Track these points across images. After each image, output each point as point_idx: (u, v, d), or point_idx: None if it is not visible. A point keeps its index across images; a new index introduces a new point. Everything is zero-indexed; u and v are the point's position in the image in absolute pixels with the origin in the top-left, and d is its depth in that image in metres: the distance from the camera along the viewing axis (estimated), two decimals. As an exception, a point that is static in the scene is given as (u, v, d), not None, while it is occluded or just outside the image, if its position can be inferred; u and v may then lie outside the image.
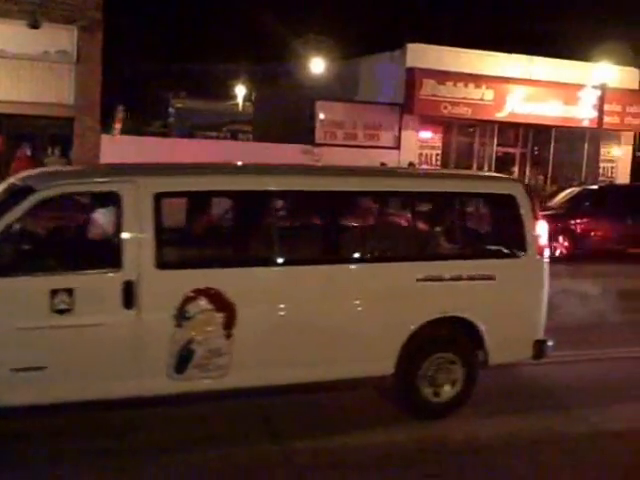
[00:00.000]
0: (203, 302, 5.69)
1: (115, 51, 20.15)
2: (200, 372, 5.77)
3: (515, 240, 6.72)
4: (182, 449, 5.70)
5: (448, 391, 6.50)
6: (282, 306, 5.97)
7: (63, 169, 7.46)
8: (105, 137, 19.21)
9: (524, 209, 6.69)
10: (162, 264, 5.66)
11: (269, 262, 6.05)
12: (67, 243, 6.41)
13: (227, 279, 5.82)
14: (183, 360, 5.72)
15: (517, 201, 6.69)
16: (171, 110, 37.51)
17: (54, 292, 5.39)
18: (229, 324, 5.77)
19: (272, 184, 6.25)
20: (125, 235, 5.63)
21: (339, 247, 6.44)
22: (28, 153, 17.96)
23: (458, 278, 6.44)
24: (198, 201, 6.55)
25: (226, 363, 5.80)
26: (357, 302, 6.21)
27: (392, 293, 6.26)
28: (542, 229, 6.81)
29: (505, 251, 6.74)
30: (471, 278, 6.49)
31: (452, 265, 6.57)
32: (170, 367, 5.70)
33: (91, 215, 6.42)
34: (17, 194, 5.71)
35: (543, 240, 6.79)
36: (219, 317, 5.73)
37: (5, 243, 5.51)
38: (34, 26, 17.94)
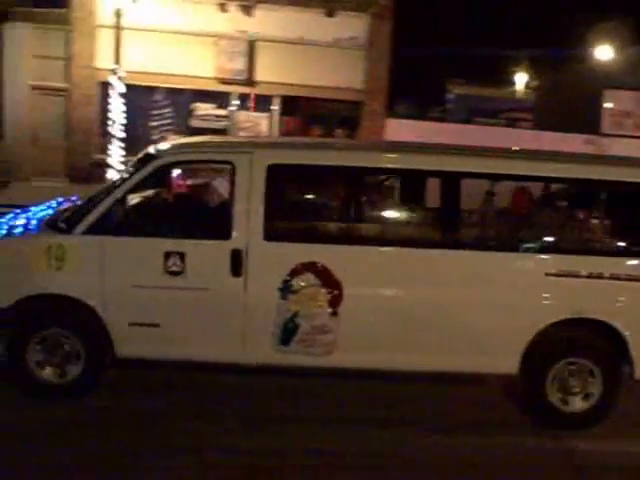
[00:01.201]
0: (309, 277, 5.69)
1: (401, 36, 20.63)
2: (304, 347, 5.77)
3: None
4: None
5: (580, 402, 5.92)
6: (393, 289, 5.77)
7: (192, 140, 7.48)
8: (390, 121, 19.88)
9: None
10: (270, 236, 5.72)
11: (382, 242, 5.91)
12: (183, 209, 6.52)
13: (335, 256, 5.74)
14: (287, 333, 5.76)
15: None
16: (449, 96, 37.77)
17: (168, 254, 5.69)
18: (335, 302, 5.70)
19: (387, 161, 6.08)
20: (236, 205, 5.75)
21: (460, 232, 6.02)
22: (317, 136, 19.23)
23: (598, 276, 5.79)
24: (309, 175, 6.42)
25: (331, 341, 5.75)
26: (475, 292, 5.79)
27: (517, 286, 5.79)
28: None
29: None
30: (615, 277, 5.80)
31: (592, 261, 5.86)
32: (275, 338, 5.76)
33: (207, 184, 6.64)
34: (143, 160, 6.09)
35: None
36: (325, 293, 5.69)
37: (126, 205, 5.93)
38: (329, 14, 19.05)
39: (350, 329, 5.71)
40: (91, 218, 5.84)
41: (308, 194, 6.68)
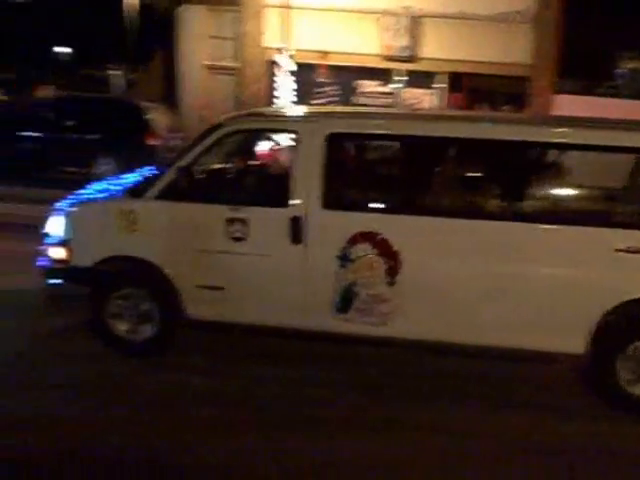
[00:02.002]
0: (366, 246, 5.62)
1: (570, 9, 19.80)
2: (362, 315, 5.73)
3: None
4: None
5: None
6: (451, 260, 5.58)
7: (262, 109, 7.44)
8: (557, 97, 19.21)
9: None
10: (329, 204, 5.70)
11: (440, 212, 5.71)
12: (245, 177, 6.60)
13: (393, 226, 5.65)
14: (345, 301, 5.74)
15: None
16: (620, 71, 35.92)
17: (231, 221, 5.79)
18: (392, 271, 5.61)
19: (446, 130, 5.86)
20: (296, 173, 5.75)
21: (528, 204, 5.67)
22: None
23: None
24: (368, 144, 6.37)
25: (388, 311, 5.68)
26: (541, 267, 5.49)
27: (583, 262, 5.42)
28: None
29: None
30: None
31: None
32: (333, 306, 5.76)
33: (269, 152, 6.59)
34: (211, 129, 6.15)
35: None
36: (382, 263, 5.61)
37: (192, 172, 5.99)
38: (498, -12, 18.60)
39: (407, 300, 5.67)
40: (160, 184, 6.10)
41: (367, 163, 6.57)
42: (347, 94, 19.39)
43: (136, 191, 6.29)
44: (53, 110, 15.74)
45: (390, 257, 5.60)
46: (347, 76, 19.55)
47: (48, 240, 6.35)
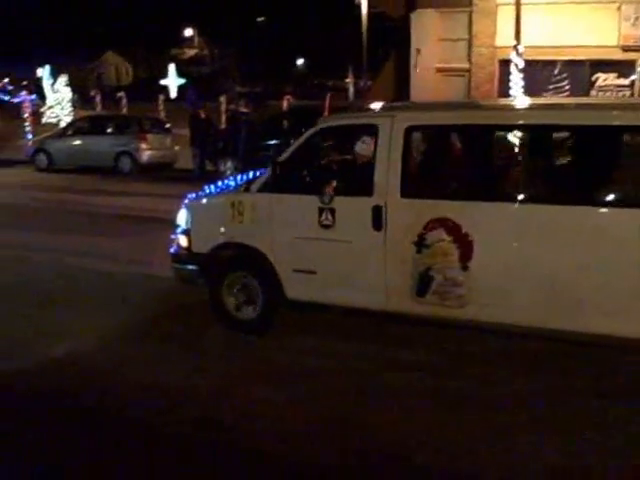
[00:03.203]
0: (441, 232, 5.78)
1: None
2: (439, 299, 5.88)
3: None
4: None
5: None
6: (522, 245, 5.56)
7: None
8: None
9: None
10: (407, 193, 5.90)
11: (510, 198, 5.68)
12: (335, 169, 6.76)
13: (465, 212, 5.75)
14: (423, 284, 5.92)
15: None
16: None
17: (321, 210, 6.19)
18: (466, 256, 5.72)
19: (514, 118, 6.00)
20: (377, 165, 6.03)
21: (597, 188, 5.49)
22: None
23: None
24: (445, 135, 6.48)
25: (463, 294, 5.78)
26: (613, 251, 5.30)
27: None
28: None
29: None
30: None
31: None
32: (412, 289, 5.95)
33: (354, 146, 6.61)
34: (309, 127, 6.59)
35: None
36: (456, 248, 5.74)
37: (290, 166, 6.43)
38: None
39: (481, 283, 5.74)
40: (263, 178, 6.69)
41: (442, 153, 6.64)
42: (582, 88, 18.92)
43: (248, 185, 6.95)
44: (287, 119, 16.91)
45: (463, 242, 5.76)
46: (582, 70, 19.09)
47: (177, 230, 7.14)
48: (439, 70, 20.54)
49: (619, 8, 18.23)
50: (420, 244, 5.92)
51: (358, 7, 24.20)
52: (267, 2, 44.06)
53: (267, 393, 5.57)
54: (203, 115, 17.78)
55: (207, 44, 53.51)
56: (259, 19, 42.57)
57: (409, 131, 6.05)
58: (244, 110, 16.91)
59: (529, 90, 17.02)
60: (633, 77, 18.67)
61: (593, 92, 18.84)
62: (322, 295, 6.45)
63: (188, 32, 54.02)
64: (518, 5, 16.32)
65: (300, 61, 44.42)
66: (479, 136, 6.21)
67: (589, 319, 5.48)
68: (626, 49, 18.36)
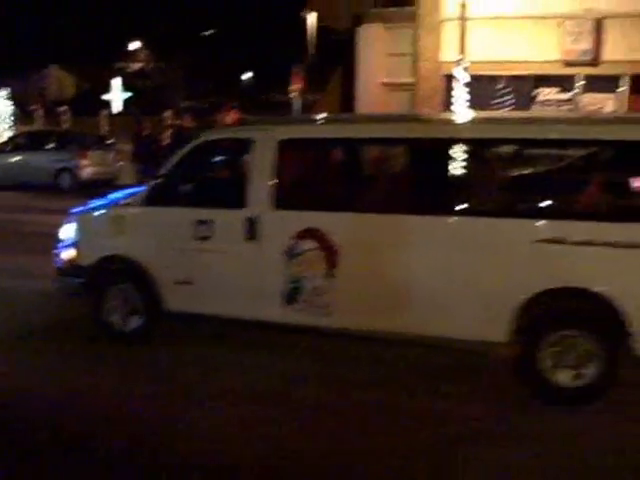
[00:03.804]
0: (309, 242, 6.05)
1: None
2: (308, 307, 6.11)
3: None
4: None
5: (574, 376, 5.50)
6: (385, 254, 5.88)
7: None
8: None
9: None
10: (278, 205, 6.18)
11: (374, 209, 6.05)
12: (212, 182, 6.99)
13: (332, 223, 6.02)
14: (292, 293, 6.17)
15: None
16: None
17: (198, 222, 6.46)
18: (332, 265, 5.99)
19: (374, 132, 6.27)
20: (251, 177, 6.29)
21: (450, 197, 5.89)
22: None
23: (591, 243, 5.35)
24: (313, 148, 6.72)
25: (329, 302, 6.04)
26: (463, 258, 5.70)
27: (503, 253, 5.58)
28: None
29: None
30: (611, 244, 5.29)
31: (584, 227, 5.44)
32: (283, 298, 6.19)
33: (230, 159, 6.93)
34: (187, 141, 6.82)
35: None
36: (323, 257, 6.00)
37: (170, 180, 6.69)
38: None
39: (346, 292, 6.00)
40: (144, 192, 6.89)
41: (313, 166, 6.98)
42: (525, 103, 19.11)
43: (132, 199, 7.12)
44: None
45: (330, 251, 6.01)
46: (525, 85, 19.28)
47: (62, 244, 7.30)
48: (385, 84, 20.55)
49: (561, 24, 18.46)
50: (290, 254, 6.16)
51: (304, 21, 24.18)
52: (214, 15, 43.88)
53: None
54: (147, 130, 17.49)
55: (153, 57, 53.03)
56: (206, 32, 42.31)
57: (282, 145, 6.27)
58: (188, 125, 16.65)
59: (474, 104, 17.12)
60: (574, 91, 18.92)
61: (535, 107, 19.03)
62: (200, 306, 6.61)
63: (134, 45, 53.34)
64: (463, 21, 16.43)
65: (247, 75, 44.23)
66: (343, 149, 6.66)
67: (449, 324, 5.79)
68: (568, 64, 18.60)
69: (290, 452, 4.91)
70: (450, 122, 6.76)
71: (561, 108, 18.74)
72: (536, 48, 18.52)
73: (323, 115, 7.37)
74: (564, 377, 5.57)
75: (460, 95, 16.72)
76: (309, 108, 26.33)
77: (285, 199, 6.23)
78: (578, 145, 5.86)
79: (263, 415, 5.47)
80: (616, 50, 18.27)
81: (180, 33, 41.88)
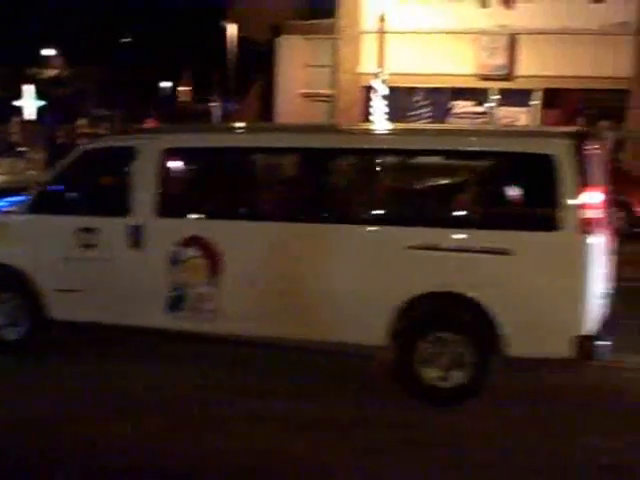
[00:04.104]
0: (193, 249, 6.11)
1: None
2: (191, 313, 6.17)
3: (546, 211, 5.47)
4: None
5: (449, 376, 5.69)
6: (266, 260, 6.00)
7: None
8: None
9: (565, 174, 5.37)
10: (162, 212, 6.22)
11: (256, 217, 6.23)
12: (97, 190, 6.89)
13: (215, 230, 6.12)
14: (177, 300, 6.20)
15: (555, 164, 5.40)
16: None
17: (82, 230, 6.42)
18: (215, 272, 6.05)
19: (259, 141, 6.43)
20: (136, 185, 6.30)
21: (326, 206, 6.10)
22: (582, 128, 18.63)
23: (461, 249, 5.59)
24: (196, 157, 6.78)
25: (213, 308, 6.10)
26: (341, 264, 5.87)
27: (379, 259, 5.77)
28: (592, 199, 5.39)
29: (529, 223, 5.55)
30: (478, 250, 5.56)
31: (455, 234, 5.67)
32: (167, 305, 6.21)
33: (114, 168, 6.82)
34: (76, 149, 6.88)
35: (591, 213, 5.38)
36: (207, 264, 6.07)
37: (55, 188, 6.66)
38: (597, 0, 18.28)
39: (229, 298, 6.07)
40: (28, 199, 6.81)
41: (195, 175, 7.08)
42: (442, 116, 19.44)
43: (17, 207, 7.05)
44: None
45: (213, 258, 6.07)
46: (442, 97, 19.62)
47: None
48: (304, 95, 20.57)
49: (477, 39, 18.88)
50: (174, 261, 6.16)
51: (224, 31, 24.02)
52: (133, 23, 43.18)
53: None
54: (61, 139, 17.02)
55: (68, 64, 51.72)
56: (124, 40, 41.59)
57: (165, 153, 6.30)
58: (104, 133, 16.30)
59: (392, 116, 17.30)
60: (489, 105, 19.36)
61: (451, 119, 19.40)
62: (85, 314, 6.51)
63: (48, 51, 51.89)
64: (381, 34, 16.59)
65: (167, 83, 43.65)
66: (225, 158, 6.62)
67: (331, 329, 5.88)
68: (483, 78, 19.02)
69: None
70: (321, 132, 6.91)
71: (476, 121, 19.15)
72: (453, 62, 18.90)
73: (209, 124, 7.47)
74: (438, 378, 5.71)
75: (379, 107, 16.84)
76: (229, 117, 26.16)
77: (169, 207, 6.28)
78: (450, 156, 6.06)
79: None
80: (529, 65, 18.82)
81: (97, 39, 41.03)
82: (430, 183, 6.31)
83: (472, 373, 5.66)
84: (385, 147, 6.20)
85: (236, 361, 6.60)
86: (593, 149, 5.84)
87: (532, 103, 19.28)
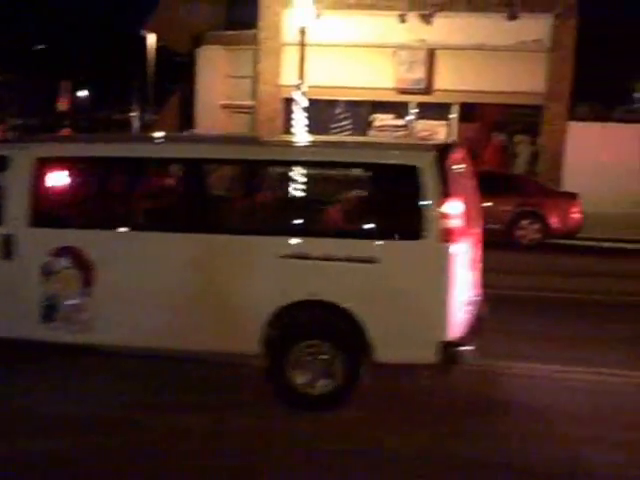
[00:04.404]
0: (66, 259, 6.07)
1: (590, 35, 19.90)
2: (65, 324, 6.12)
3: (410, 220, 5.64)
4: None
5: (319, 384, 5.81)
6: (139, 270, 6.02)
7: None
8: (571, 124, 19.20)
9: (428, 184, 5.56)
10: (34, 222, 6.15)
11: (127, 226, 6.25)
12: None
13: (88, 240, 6.11)
14: (50, 311, 6.15)
15: (419, 174, 5.59)
16: (638, 95, 35.87)
17: None
18: (88, 282, 6.04)
19: (130, 151, 6.43)
20: (8, 195, 6.22)
21: (197, 215, 6.15)
22: (499, 142, 19.11)
23: (331, 258, 5.71)
24: (70, 167, 6.78)
25: (87, 319, 6.07)
26: (214, 274, 5.95)
27: (251, 269, 5.86)
28: (454, 209, 5.56)
29: (393, 232, 5.72)
30: (345, 259, 5.70)
31: (324, 243, 5.81)
32: (40, 316, 6.15)
33: None
34: None
35: (454, 223, 5.55)
36: (80, 275, 6.04)
37: None
38: (511, 18, 18.75)
39: (102, 309, 6.06)
40: None
41: (69, 185, 6.98)
42: (362, 128, 19.56)
43: None
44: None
45: (86, 269, 6.05)
46: (362, 110, 19.74)
47: None
48: (224, 106, 20.37)
49: (395, 53, 19.07)
50: (47, 272, 6.09)
51: (144, 39, 23.59)
52: (48, 30, 42.06)
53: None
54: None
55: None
56: (38, 47, 40.43)
57: (38, 162, 6.19)
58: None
59: (313, 128, 17.27)
60: (408, 118, 19.57)
61: (371, 132, 19.53)
62: None
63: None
64: (302, 46, 16.54)
65: (83, 92, 42.66)
66: (98, 168, 6.67)
67: (204, 338, 5.94)
68: (402, 92, 19.23)
69: None
70: (178, 141, 7.03)
71: (396, 134, 19.33)
72: (372, 75, 19.06)
73: (86, 135, 7.29)
74: (309, 385, 5.81)
75: (299, 119, 16.78)
76: (148, 128, 25.70)
77: (41, 217, 6.20)
78: (321, 167, 6.22)
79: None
80: (447, 80, 19.16)
81: (10, 46, 39.77)
82: (302, 193, 6.51)
83: (341, 380, 5.77)
84: (251, 158, 6.21)
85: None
86: (458, 161, 6.08)
87: (450, 117, 19.60)
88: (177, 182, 6.38)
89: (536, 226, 14.87)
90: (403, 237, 5.67)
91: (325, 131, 19.04)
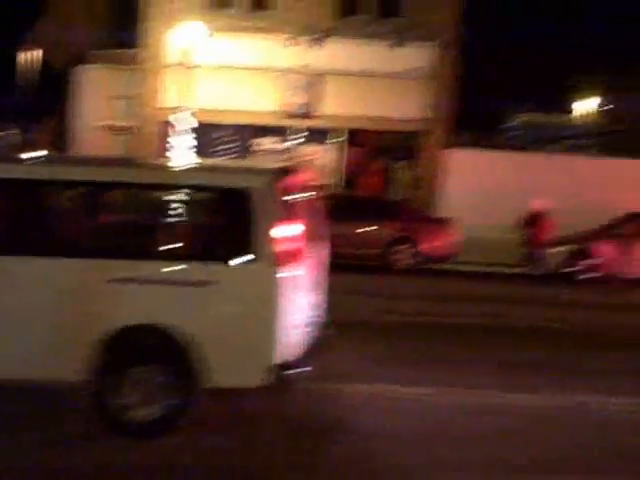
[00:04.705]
0: None
1: (470, 65, 20.57)
2: None
3: (243, 243, 5.60)
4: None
5: (152, 409, 5.66)
6: None
7: None
8: (450, 151, 19.63)
9: (259, 208, 5.56)
10: None
11: None
12: None
13: None
14: None
15: (252, 198, 5.59)
16: (514, 123, 37.41)
17: None
18: None
19: None
20: None
21: (24, 238, 6.00)
22: (379, 167, 19.44)
23: (162, 281, 5.65)
24: None
25: None
26: (39, 298, 5.75)
27: (80, 293, 5.71)
28: (287, 233, 5.59)
29: (225, 255, 5.66)
30: (179, 283, 5.65)
31: (155, 266, 5.72)
32: None
33: None
34: None
35: (286, 246, 5.56)
36: None
37: None
38: (398, 45, 19.10)
39: None
40: None
41: None
42: (245, 152, 19.39)
43: None
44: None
45: None
46: (246, 134, 19.58)
47: None
48: (103, 127, 19.75)
49: (281, 77, 19.06)
50: None
51: (27, 55, 22.71)
52: None
53: None
54: None
55: None
56: None
57: None
58: None
59: (198, 151, 17.00)
60: (291, 142, 19.56)
61: (254, 156, 19.40)
62: None
63: None
64: (185, 68, 16.29)
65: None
66: None
67: (28, 366, 5.70)
68: (287, 116, 19.21)
69: None
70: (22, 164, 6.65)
71: (281, 157, 19.27)
72: (257, 99, 18.97)
73: None
74: (137, 412, 5.62)
75: (178, 141, 16.46)
76: (27, 146, 24.68)
77: None
78: (153, 189, 6.08)
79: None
80: (333, 105, 19.28)
81: None
82: (133, 215, 6.30)
83: (172, 405, 5.62)
84: (77, 179, 6.02)
85: None
86: (298, 184, 6.05)
87: (334, 141, 19.72)
88: (18, 204, 6.09)
89: (411, 251, 15.07)
90: (235, 260, 5.58)
91: (211, 155, 18.76)
